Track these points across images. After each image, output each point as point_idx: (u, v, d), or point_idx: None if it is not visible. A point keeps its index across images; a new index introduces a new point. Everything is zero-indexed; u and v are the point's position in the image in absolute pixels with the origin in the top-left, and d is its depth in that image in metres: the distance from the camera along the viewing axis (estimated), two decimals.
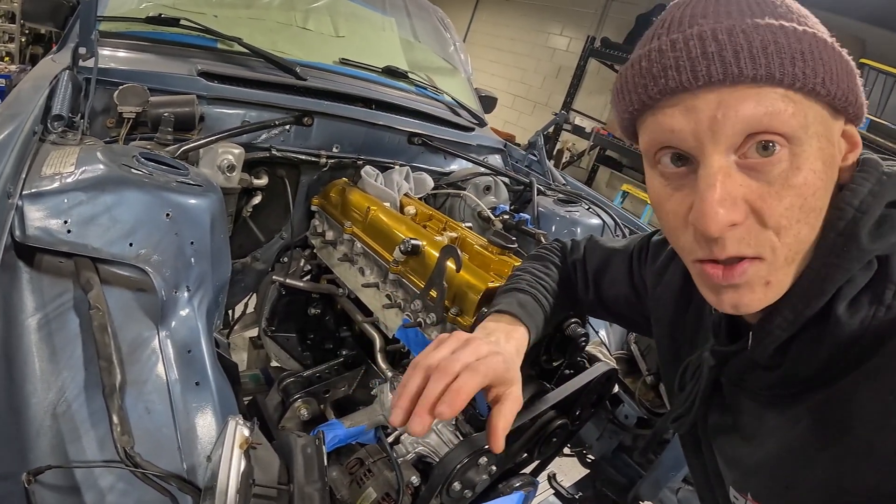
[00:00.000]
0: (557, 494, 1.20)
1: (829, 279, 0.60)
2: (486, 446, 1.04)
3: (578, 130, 6.97)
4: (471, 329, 1.05)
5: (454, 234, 1.40)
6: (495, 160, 2.39)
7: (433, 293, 1.18)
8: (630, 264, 1.05)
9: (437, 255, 1.20)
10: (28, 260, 0.91)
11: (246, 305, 2.07)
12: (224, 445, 0.75)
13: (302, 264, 1.84)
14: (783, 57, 0.55)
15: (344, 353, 1.62)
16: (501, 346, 0.86)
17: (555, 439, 1.22)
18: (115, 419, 0.77)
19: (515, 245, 1.32)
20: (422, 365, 0.74)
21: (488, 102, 3.03)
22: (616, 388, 1.72)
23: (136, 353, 0.91)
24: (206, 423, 0.90)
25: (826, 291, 0.60)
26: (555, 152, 7.34)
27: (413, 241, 1.26)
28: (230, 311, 1.98)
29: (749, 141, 0.57)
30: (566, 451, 1.84)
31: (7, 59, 6.41)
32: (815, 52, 0.56)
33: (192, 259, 1.02)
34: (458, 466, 1.01)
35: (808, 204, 0.58)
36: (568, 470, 1.99)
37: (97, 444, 0.80)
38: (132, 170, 1.04)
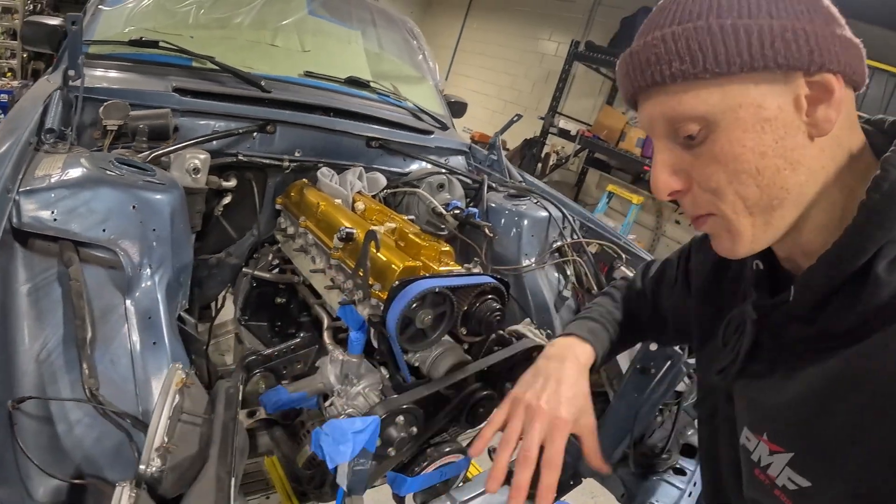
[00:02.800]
0: None
1: (871, 237, 0.63)
2: (404, 405, 1.23)
3: (564, 134, 7.12)
4: (386, 302, 1.23)
5: (393, 225, 1.58)
6: (458, 161, 2.57)
7: (361, 273, 1.36)
8: (679, 262, 1.13)
9: (377, 238, 1.39)
10: (23, 242, 1.16)
11: (224, 298, 2.26)
12: (164, 383, 0.96)
13: (270, 258, 2.01)
14: (661, 63, 0.67)
15: (301, 334, 1.80)
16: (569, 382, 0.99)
17: (482, 410, 1.39)
18: (84, 366, 1.00)
19: (445, 233, 1.50)
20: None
21: (458, 107, 3.20)
22: None
23: (106, 317, 1.14)
24: (159, 375, 1.11)
25: (867, 249, 0.63)
26: (542, 156, 7.48)
27: (347, 230, 1.44)
28: (213, 304, 2.16)
29: (673, 127, 0.70)
30: None
31: (10, 74, 6.66)
32: (692, 45, 0.65)
33: (154, 243, 1.25)
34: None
35: (736, 168, 0.67)
36: None
37: (70, 386, 1.02)
38: (107, 172, 1.27)
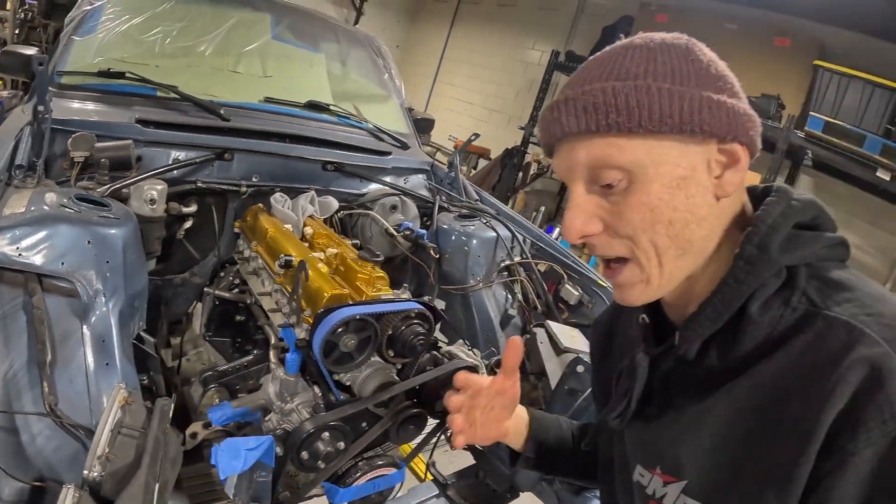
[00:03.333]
0: (434, 480, 1.46)
1: (745, 283, 0.73)
2: (332, 423, 1.34)
3: None
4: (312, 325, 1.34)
5: (334, 251, 1.69)
6: (418, 179, 2.69)
7: (296, 298, 1.47)
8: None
9: (307, 268, 1.51)
10: None
11: (193, 314, 2.37)
12: (108, 400, 1.12)
13: (232, 278, 2.12)
14: (599, 113, 0.72)
15: (255, 351, 1.90)
16: None
17: (412, 427, 1.50)
18: (45, 385, 1.15)
19: (381, 258, 1.61)
20: None
21: (425, 124, 3.30)
22: None
23: (65, 341, 1.28)
24: (110, 391, 1.22)
25: (742, 293, 0.73)
26: (523, 165, 7.58)
27: (286, 257, 1.56)
28: (183, 319, 2.27)
29: (595, 174, 0.75)
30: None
31: (0, 83, 6.73)
32: (630, 101, 0.71)
33: (108, 273, 1.40)
34: (305, 437, 1.30)
35: (656, 219, 0.73)
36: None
37: (32, 402, 1.16)
38: (66, 209, 1.42)
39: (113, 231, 1.44)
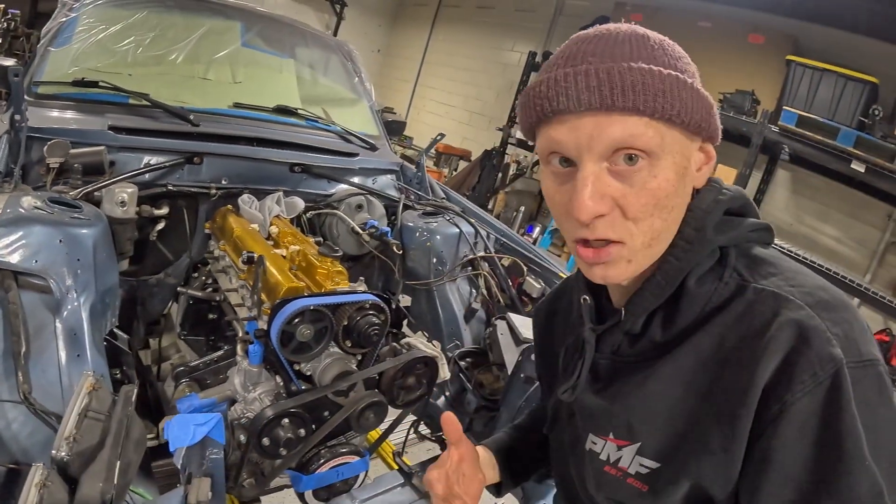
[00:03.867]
0: (400, 470, 1.53)
1: (685, 260, 0.82)
2: (292, 409, 1.42)
3: (523, 144, 7.31)
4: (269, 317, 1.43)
5: (296, 248, 1.77)
6: (386, 180, 2.77)
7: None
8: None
9: (265, 263, 1.58)
10: None
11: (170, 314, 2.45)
12: (76, 387, 1.18)
13: (204, 278, 2.20)
14: (647, 94, 0.73)
15: (225, 347, 1.98)
16: None
17: (372, 415, 1.57)
18: (20, 374, 1.24)
19: (339, 253, 1.69)
20: None
21: (397, 126, 3.38)
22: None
23: (38, 333, 1.37)
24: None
25: (682, 270, 0.82)
26: (502, 166, 7.67)
27: (248, 254, 1.64)
28: (161, 320, 2.35)
29: (617, 153, 0.75)
30: (424, 432, 2.19)
31: None
32: (674, 91, 0.74)
33: (79, 270, 1.48)
34: (265, 424, 1.38)
35: (661, 203, 0.77)
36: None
37: (8, 390, 1.24)
38: (40, 211, 1.50)
39: (84, 231, 1.53)
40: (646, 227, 0.78)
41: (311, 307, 1.41)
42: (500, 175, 7.66)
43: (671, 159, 0.77)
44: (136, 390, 1.27)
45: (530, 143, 1.02)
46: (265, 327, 1.54)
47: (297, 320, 1.40)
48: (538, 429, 1.25)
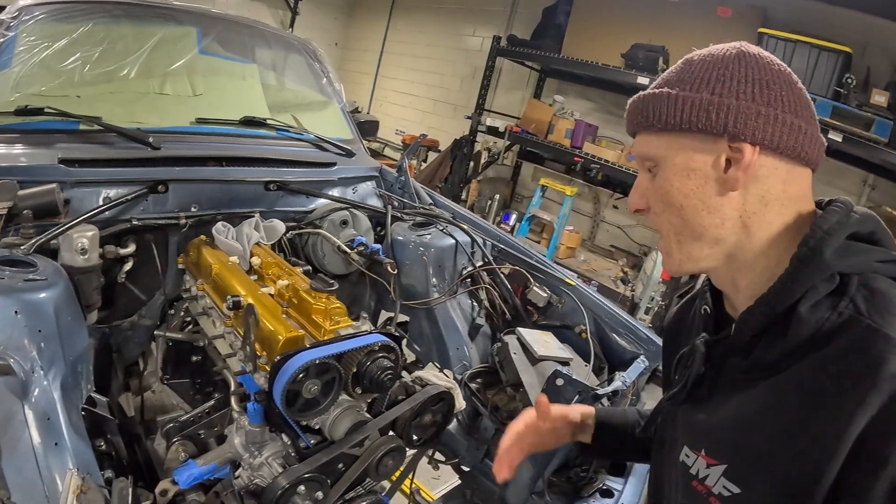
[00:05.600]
0: None
1: (797, 282, 0.79)
2: (307, 475, 1.24)
3: (493, 131, 7.15)
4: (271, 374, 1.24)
5: (285, 282, 1.57)
6: (366, 187, 2.57)
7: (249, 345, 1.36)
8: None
9: (256, 313, 1.39)
10: None
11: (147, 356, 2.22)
12: (62, 491, 1.03)
13: (182, 315, 1.98)
14: (640, 115, 0.92)
15: (215, 395, 1.78)
16: None
17: (391, 462, 1.40)
18: None
19: (335, 287, 1.50)
20: None
21: (370, 126, 3.19)
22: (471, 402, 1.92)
23: (7, 425, 1.13)
24: (63, 473, 1.12)
25: (793, 292, 0.79)
26: (473, 154, 7.51)
27: (233, 299, 1.44)
28: (140, 361, 2.12)
29: (642, 162, 0.94)
30: (439, 458, 2.03)
31: None
32: (648, 105, 0.90)
33: (42, 343, 1.25)
34: (280, 493, 1.20)
35: (666, 200, 0.90)
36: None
37: None
38: None
39: (42, 295, 1.30)
40: (663, 221, 0.92)
41: (317, 361, 1.23)
42: (471, 164, 7.49)
43: (669, 162, 0.89)
44: (130, 487, 1.07)
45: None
46: (262, 383, 1.36)
47: (301, 377, 1.22)
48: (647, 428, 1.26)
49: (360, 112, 4.86)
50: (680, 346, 1.10)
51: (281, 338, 1.33)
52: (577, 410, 1.31)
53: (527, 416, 1.25)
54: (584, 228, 7.11)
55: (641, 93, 0.93)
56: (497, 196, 7.44)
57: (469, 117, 7.38)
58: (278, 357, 1.23)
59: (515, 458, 1.22)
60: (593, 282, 5.66)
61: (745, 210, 0.85)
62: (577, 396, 1.60)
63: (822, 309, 0.77)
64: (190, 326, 1.97)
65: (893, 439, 0.67)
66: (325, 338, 1.41)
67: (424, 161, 8.34)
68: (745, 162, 0.83)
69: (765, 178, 0.84)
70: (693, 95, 0.85)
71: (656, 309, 5.21)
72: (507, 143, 6.99)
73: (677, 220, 0.89)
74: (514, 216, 7.24)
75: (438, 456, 2.04)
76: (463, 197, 7.61)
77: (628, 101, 0.97)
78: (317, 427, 1.38)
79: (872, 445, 0.68)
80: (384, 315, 2.38)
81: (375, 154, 7.70)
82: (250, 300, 1.46)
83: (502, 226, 7.04)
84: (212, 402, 1.72)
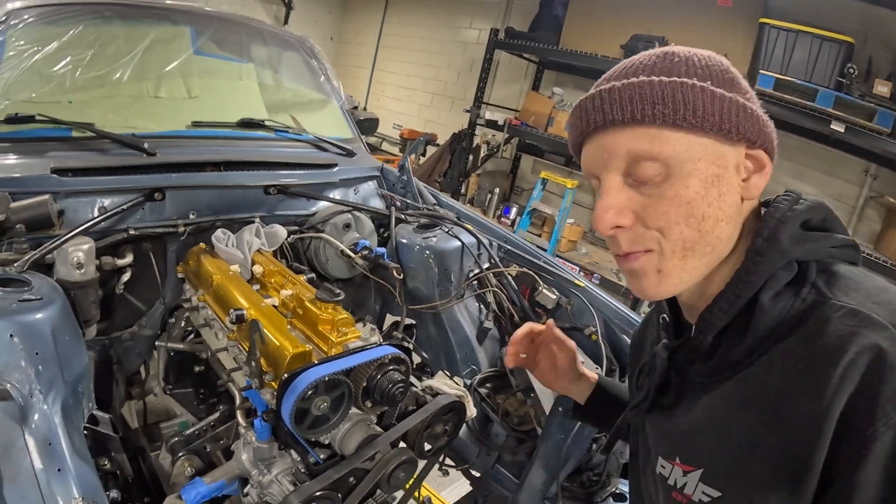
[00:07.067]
0: None
1: (756, 273, 0.77)
2: (318, 492, 1.20)
3: (491, 124, 7.09)
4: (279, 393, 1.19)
5: (289, 292, 1.52)
6: (368, 187, 2.51)
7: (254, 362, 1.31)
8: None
9: (261, 328, 1.34)
10: None
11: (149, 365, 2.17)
12: None
13: (183, 324, 1.94)
14: (644, 104, 0.75)
15: (220, 407, 1.73)
16: None
17: (402, 474, 1.36)
18: None
19: (341, 297, 1.45)
20: None
21: (370, 124, 3.13)
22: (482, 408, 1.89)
23: (8, 453, 1.08)
24: (68, 500, 1.08)
25: (753, 284, 0.77)
26: (473, 147, 7.46)
27: (237, 312, 1.39)
28: (142, 370, 2.08)
29: (634, 166, 0.78)
30: (449, 465, 1.99)
31: None
32: (676, 95, 0.75)
33: (39, 366, 1.19)
34: None
35: (685, 211, 0.76)
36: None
37: None
38: None
39: (38, 316, 1.24)
40: (674, 236, 0.78)
41: (326, 377, 1.18)
42: (470, 157, 7.44)
43: (692, 166, 0.76)
44: None
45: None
46: (269, 399, 1.32)
47: (310, 394, 1.18)
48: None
49: (358, 109, 4.81)
50: (643, 357, 1.09)
51: (288, 354, 1.28)
52: (584, 367, 1.35)
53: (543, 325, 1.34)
54: (585, 221, 7.07)
55: (645, 78, 0.77)
56: (497, 189, 7.39)
57: (467, 110, 7.31)
58: (286, 374, 1.18)
59: (522, 352, 1.33)
60: (595, 275, 5.62)
61: (746, 218, 0.83)
62: None
63: (785, 298, 0.76)
64: (192, 336, 1.93)
65: (879, 411, 0.63)
66: (334, 352, 1.36)
67: (423, 155, 8.30)
68: (767, 171, 0.81)
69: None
70: (726, 94, 0.76)
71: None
72: (506, 136, 6.93)
73: (692, 234, 0.77)
74: (514, 210, 7.19)
75: (449, 462, 2.01)
76: (462, 191, 7.56)
77: (611, 87, 0.79)
78: (326, 441, 1.34)
79: (857, 422, 0.64)
80: (389, 318, 2.34)
81: (373, 148, 7.66)
82: (254, 314, 1.41)
83: (503, 220, 7.00)
84: (216, 415, 1.68)
